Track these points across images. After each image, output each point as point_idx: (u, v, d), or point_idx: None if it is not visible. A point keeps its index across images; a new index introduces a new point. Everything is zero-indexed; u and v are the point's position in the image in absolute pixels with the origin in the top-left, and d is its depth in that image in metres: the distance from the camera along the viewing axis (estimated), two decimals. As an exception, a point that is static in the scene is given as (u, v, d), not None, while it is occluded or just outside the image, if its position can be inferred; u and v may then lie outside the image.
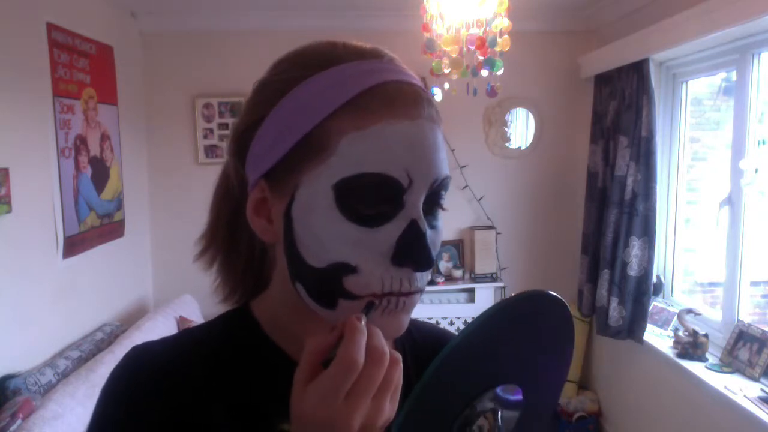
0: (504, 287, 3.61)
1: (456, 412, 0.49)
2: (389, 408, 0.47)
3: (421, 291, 0.55)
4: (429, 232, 0.53)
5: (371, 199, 0.52)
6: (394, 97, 0.53)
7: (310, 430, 0.45)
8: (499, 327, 0.49)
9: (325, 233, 0.52)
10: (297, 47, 0.59)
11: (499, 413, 0.51)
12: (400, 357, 0.48)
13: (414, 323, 0.72)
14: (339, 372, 0.45)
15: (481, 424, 0.50)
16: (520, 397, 0.53)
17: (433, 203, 0.55)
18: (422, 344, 0.71)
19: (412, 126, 0.53)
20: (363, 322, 0.47)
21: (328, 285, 0.53)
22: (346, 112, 0.52)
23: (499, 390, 0.51)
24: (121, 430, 0.55)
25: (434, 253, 0.54)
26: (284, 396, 0.57)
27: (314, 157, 0.53)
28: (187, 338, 0.63)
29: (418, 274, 0.54)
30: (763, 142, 2.40)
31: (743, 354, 2.37)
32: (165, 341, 0.62)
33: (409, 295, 0.54)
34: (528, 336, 0.53)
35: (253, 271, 0.66)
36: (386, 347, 0.47)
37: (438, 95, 2.64)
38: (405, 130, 0.52)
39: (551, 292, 0.52)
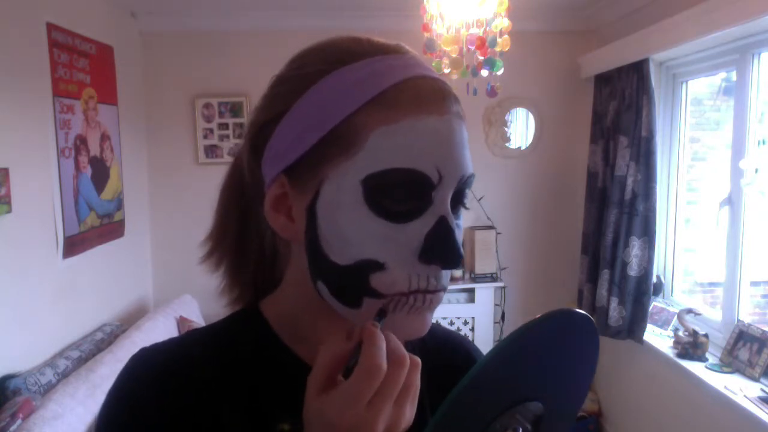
0: (504, 287, 3.61)
1: (479, 429, 0.49)
2: (410, 412, 0.47)
3: (445, 289, 0.55)
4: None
5: (400, 194, 0.51)
6: (422, 93, 0.52)
7: None
8: (527, 346, 0.48)
9: (353, 229, 0.51)
10: (317, 42, 0.58)
11: (520, 431, 0.50)
12: (419, 360, 0.48)
13: None
14: (363, 378, 0.44)
15: None
16: (542, 413, 0.52)
17: (457, 201, 0.54)
18: (433, 347, 0.70)
19: (441, 121, 0.52)
20: (379, 329, 0.47)
21: (354, 283, 0.52)
22: (375, 106, 0.51)
23: (521, 407, 0.50)
24: (127, 430, 0.55)
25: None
26: (290, 396, 0.56)
27: (341, 153, 0.52)
28: (194, 339, 0.63)
29: (444, 272, 0.53)
30: (763, 142, 2.40)
31: (743, 354, 2.37)
32: (171, 342, 0.62)
33: (435, 292, 0.53)
34: (554, 353, 0.52)
35: (264, 272, 0.65)
36: (405, 351, 0.47)
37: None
38: (434, 126, 0.52)
39: (578, 310, 0.52)
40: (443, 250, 0.51)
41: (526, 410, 0.50)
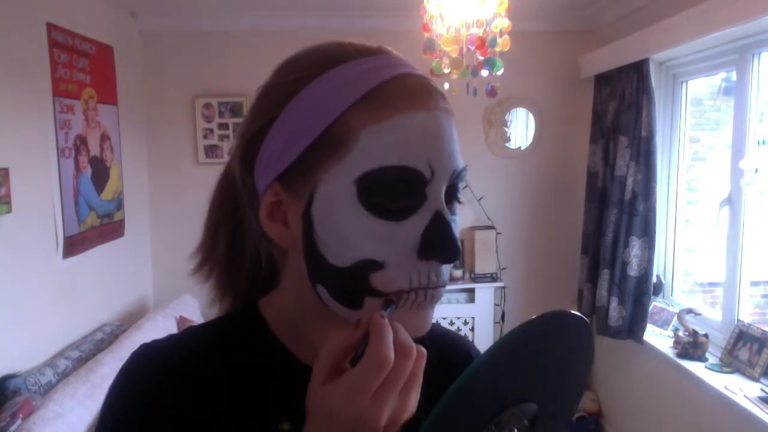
0: (504, 287, 3.61)
1: (475, 429, 0.49)
2: (413, 402, 0.47)
3: (445, 285, 0.55)
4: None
5: (395, 192, 0.51)
6: (409, 90, 0.53)
7: (334, 427, 0.45)
8: (522, 346, 0.49)
9: (350, 230, 0.51)
10: (300, 50, 0.58)
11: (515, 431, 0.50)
12: (425, 350, 0.48)
13: None
14: (370, 369, 0.44)
15: None
16: (537, 414, 0.52)
17: (451, 196, 0.55)
18: (430, 345, 0.70)
19: (429, 117, 0.52)
20: (386, 319, 0.47)
21: (354, 284, 0.52)
22: (362, 106, 0.52)
23: (517, 408, 0.51)
24: (127, 425, 0.56)
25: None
26: (287, 395, 0.57)
27: (333, 154, 0.52)
28: (194, 336, 0.63)
29: (444, 268, 0.53)
30: (763, 142, 2.40)
31: (743, 354, 2.37)
32: (172, 339, 0.62)
33: (436, 288, 0.54)
34: (548, 355, 0.52)
35: (258, 278, 0.66)
36: (412, 341, 0.47)
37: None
38: (423, 121, 0.52)
39: (573, 312, 0.52)
40: (441, 246, 0.51)
41: (521, 411, 0.50)
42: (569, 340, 0.54)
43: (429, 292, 0.53)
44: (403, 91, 0.53)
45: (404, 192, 0.51)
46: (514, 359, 0.48)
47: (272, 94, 0.57)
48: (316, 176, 0.53)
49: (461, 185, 0.56)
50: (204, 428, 0.56)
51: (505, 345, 0.47)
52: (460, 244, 0.53)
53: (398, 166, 0.50)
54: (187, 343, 0.62)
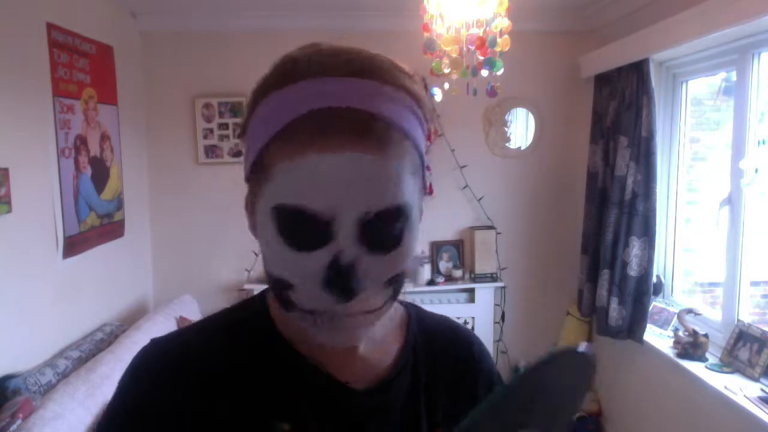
0: (504, 287, 3.61)
1: None
2: None
3: (369, 311, 0.56)
4: (370, 259, 0.53)
5: (299, 227, 0.53)
6: (326, 128, 0.52)
7: None
8: (534, 383, 0.52)
9: (268, 250, 0.56)
10: (282, 56, 0.59)
11: None
12: None
13: (429, 316, 0.74)
14: None
15: None
16: None
17: (378, 233, 0.53)
18: (435, 336, 0.72)
19: (339, 159, 0.51)
20: None
21: (277, 292, 0.58)
22: (281, 140, 0.54)
23: None
24: (132, 420, 0.57)
25: (374, 282, 0.54)
26: (289, 393, 0.58)
27: (260, 179, 0.56)
28: (200, 332, 0.65)
29: (363, 296, 0.54)
30: (763, 142, 2.40)
31: (743, 354, 2.37)
32: (180, 335, 0.64)
33: (352, 316, 0.55)
34: (554, 389, 0.55)
35: None
36: None
37: (438, 95, 2.64)
38: (331, 163, 0.51)
39: (584, 351, 0.55)
40: (338, 284, 0.53)
41: None
42: (573, 376, 0.58)
43: (343, 319, 0.55)
44: (317, 128, 0.52)
45: (308, 229, 0.53)
46: (523, 396, 0.51)
47: (251, 96, 0.60)
48: (260, 192, 0.56)
49: (395, 224, 0.54)
50: (205, 426, 0.57)
51: (521, 381, 0.50)
52: (362, 283, 0.53)
53: (297, 206, 0.52)
54: (192, 339, 0.63)
